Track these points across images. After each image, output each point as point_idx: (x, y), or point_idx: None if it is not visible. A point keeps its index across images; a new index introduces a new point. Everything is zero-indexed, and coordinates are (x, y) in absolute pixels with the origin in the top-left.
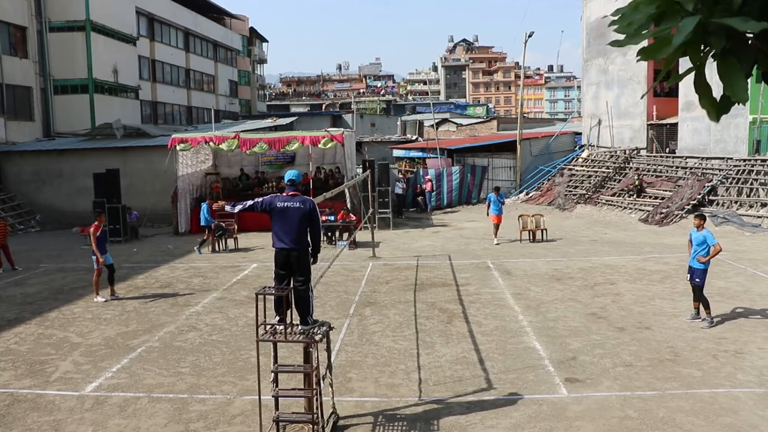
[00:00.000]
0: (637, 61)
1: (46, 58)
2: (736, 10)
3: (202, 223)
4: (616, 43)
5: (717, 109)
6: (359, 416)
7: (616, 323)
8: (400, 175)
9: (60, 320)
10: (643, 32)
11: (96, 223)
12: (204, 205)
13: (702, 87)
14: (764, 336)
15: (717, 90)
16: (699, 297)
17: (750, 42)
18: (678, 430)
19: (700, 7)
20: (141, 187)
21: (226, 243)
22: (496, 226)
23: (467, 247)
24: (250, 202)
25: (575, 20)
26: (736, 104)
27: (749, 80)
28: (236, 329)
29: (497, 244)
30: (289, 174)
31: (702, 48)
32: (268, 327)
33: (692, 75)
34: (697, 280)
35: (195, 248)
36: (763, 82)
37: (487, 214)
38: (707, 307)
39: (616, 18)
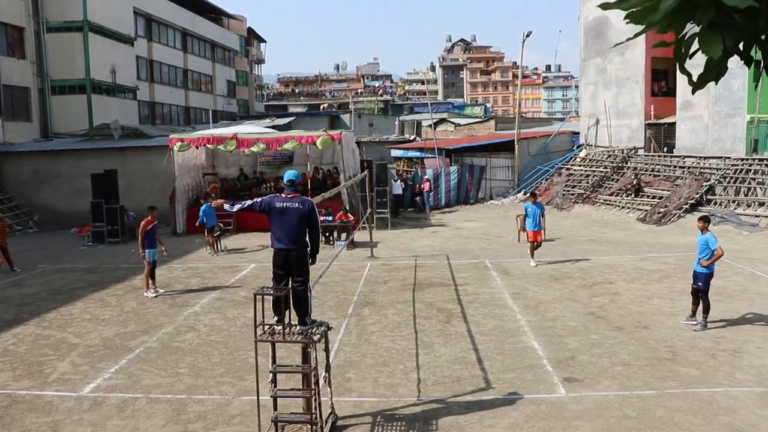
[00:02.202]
0: (626, 23)
1: (44, 59)
2: None
3: (209, 224)
4: (605, 6)
5: (694, 82)
6: (358, 416)
7: (614, 323)
8: (397, 175)
9: (58, 321)
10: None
11: (149, 217)
12: (206, 206)
13: (681, 57)
14: (762, 335)
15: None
16: (702, 299)
17: (736, 18)
18: (677, 430)
19: None
20: (139, 188)
21: (221, 243)
22: (534, 245)
23: (465, 247)
24: (249, 202)
25: (573, 20)
26: (735, 108)
27: (746, 81)
28: (234, 330)
29: (535, 265)
30: (289, 174)
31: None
32: (266, 327)
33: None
34: (699, 284)
35: (210, 254)
36: (761, 82)
37: (523, 229)
38: (707, 311)
39: None
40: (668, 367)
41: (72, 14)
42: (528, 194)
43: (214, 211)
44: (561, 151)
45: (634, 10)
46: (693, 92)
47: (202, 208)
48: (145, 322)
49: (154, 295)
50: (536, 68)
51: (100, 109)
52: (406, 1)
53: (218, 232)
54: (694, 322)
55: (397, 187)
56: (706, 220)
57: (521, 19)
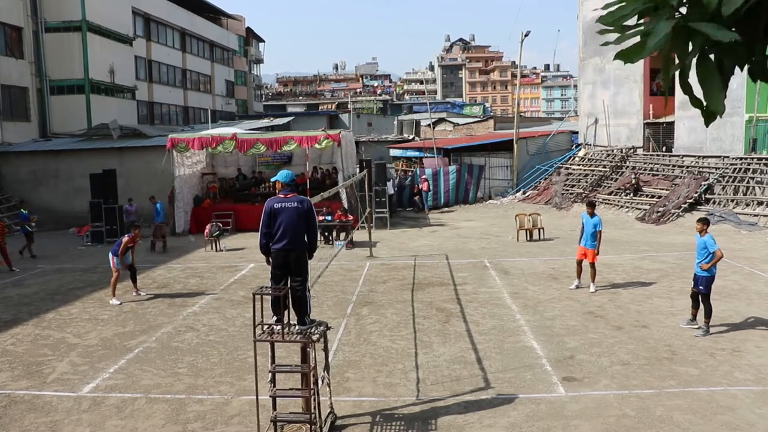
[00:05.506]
0: (614, 59)
1: (43, 59)
2: (710, 14)
3: (156, 220)
4: (607, 44)
5: (705, 112)
6: (357, 416)
7: (613, 322)
8: (395, 174)
9: (57, 321)
10: (628, 32)
11: (131, 235)
12: (159, 204)
13: (688, 88)
14: (761, 334)
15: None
16: (703, 303)
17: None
18: (675, 429)
19: (680, 5)
20: (138, 188)
21: (220, 243)
22: (581, 264)
23: (464, 247)
24: (263, 230)
25: (572, 19)
26: (734, 107)
27: (745, 80)
28: (234, 329)
29: (574, 287)
30: (281, 175)
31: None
32: (265, 327)
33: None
34: (701, 287)
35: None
36: (760, 82)
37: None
38: (709, 315)
39: (605, 12)
40: (667, 366)
41: (70, 14)
42: (587, 203)
43: (165, 209)
44: (560, 151)
45: (623, 49)
46: (707, 125)
47: (156, 205)
48: (144, 322)
49: (118, 303)
50: (535, 68)
51: (98, 109)
52: (405, 1)
53: (217, 232)
54: (695, 326)
55: (389, 188)
56: (705, 222)
57: (520, 18)
